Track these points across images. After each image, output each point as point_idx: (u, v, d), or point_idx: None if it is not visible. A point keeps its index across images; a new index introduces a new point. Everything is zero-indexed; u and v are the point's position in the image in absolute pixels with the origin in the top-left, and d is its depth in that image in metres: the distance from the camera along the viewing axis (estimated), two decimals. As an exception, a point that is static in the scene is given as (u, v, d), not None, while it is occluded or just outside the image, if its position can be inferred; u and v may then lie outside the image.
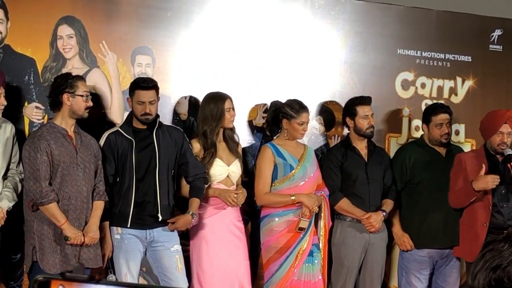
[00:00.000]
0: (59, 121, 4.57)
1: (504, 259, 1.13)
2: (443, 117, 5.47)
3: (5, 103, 4.56)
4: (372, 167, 5.44)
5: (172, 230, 4.89)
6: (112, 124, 5.09)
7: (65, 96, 4.57)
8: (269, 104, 5.62)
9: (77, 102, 4.62)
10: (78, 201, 4.63)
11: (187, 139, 5.05)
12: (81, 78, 4.79)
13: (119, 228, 4.78)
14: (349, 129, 5.48)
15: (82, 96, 4.61)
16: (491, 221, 5.22)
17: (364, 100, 5.43)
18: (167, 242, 4.80)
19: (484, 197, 5.28)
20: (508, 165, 5.27)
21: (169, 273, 4.79)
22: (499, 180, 5.20)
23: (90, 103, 4.71)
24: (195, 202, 4.91)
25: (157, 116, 4.90)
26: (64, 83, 4.63)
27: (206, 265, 4.93)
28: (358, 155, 5.42)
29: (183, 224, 4.89)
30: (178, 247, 4.84)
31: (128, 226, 4.78)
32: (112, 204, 4.85)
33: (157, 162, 4.81)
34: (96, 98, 4.95)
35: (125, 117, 5.05)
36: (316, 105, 5.77)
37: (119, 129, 4.83)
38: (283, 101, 5.38)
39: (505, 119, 5.26)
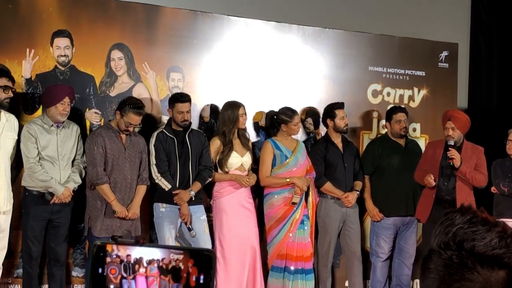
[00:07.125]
0: (114, 124, 5.20)
1: (454, 226, 1.22)
2: (401, 115, 6.07)
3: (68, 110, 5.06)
4: (346, 157, 5.99)
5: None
6: (152, 123, 5.61)
7: (118, 113, 5.19)
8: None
9: (122, 121, 5.16)
10: (123, 186, 5.15)
11: (207, 140, 5.56)
12: (136, 111, 5.09)
13: (164, 204, 5.31)
14: (327, 128, 6.04)
15: (125, 123, 5.13)
16: (436, 194, 5.75)
17: (340, 105, 6.00)
18: (197, 212, 5.39)
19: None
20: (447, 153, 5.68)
21: (198, 235, 5.35)
22: (434, 182, 5.67)
23: (130, 129, 5.15)
24: (197, 185, 5.38)
25: (190, 122, 5.46)
26: (122, 105, 5.16)
27: (226, 231, 5.53)
28: (336, 148, 5.97)
29: (182, 197, 5.28)
30: (205, 216, 5.42)
31: (171, 202, 5.32)
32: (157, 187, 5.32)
33: (189, 155, 5.40)
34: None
35: (162, 120, 5.62)
36: (307, 110, 6.30)
37: (164, 130, 5.39)
38: (279, 107, 5.88)
39: (448, 117, 5.75)
